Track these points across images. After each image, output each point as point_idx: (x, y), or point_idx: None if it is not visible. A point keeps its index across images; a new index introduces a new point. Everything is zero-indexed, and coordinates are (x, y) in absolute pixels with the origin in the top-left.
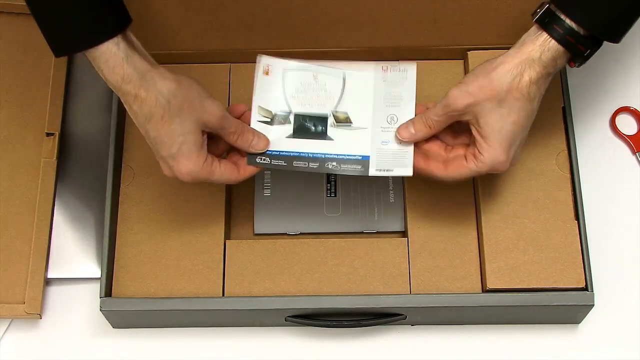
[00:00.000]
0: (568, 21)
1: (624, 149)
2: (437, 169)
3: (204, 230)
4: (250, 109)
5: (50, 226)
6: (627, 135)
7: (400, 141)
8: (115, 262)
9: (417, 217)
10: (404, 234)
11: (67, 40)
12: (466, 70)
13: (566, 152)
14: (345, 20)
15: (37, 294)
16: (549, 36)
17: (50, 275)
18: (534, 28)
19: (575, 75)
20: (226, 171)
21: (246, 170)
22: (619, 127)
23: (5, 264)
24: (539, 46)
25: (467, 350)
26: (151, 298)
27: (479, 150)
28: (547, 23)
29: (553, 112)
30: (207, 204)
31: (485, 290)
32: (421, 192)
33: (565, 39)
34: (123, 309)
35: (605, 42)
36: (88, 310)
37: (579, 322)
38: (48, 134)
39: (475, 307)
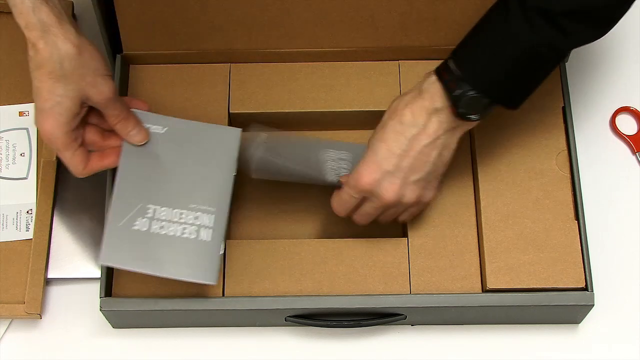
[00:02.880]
0: (450, 62)
1: (624, 149)
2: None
3: None
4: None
5: (50, 226)
6: (627, 135)
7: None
8: None
9: (417, 217)
10: (404, 234)
11: None
12: None
13: (566, 152)
14: (345, 20)
15: (37, 294)
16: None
17: (50, 275)
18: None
19: (575, 75)
20: (75, 160)
21: (92, 168)
22: (619, 127)
23: (5, 264)
24: (423, 77)
25: (467, 350)
26: (151, 298)
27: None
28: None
29: (553, 112)
30: None
31: (485, 290)
32: None
33: (439, 71)
34: (123, 309)
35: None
36: (88, 310)
37: (579, 322)
38: None
39: (475, 307)
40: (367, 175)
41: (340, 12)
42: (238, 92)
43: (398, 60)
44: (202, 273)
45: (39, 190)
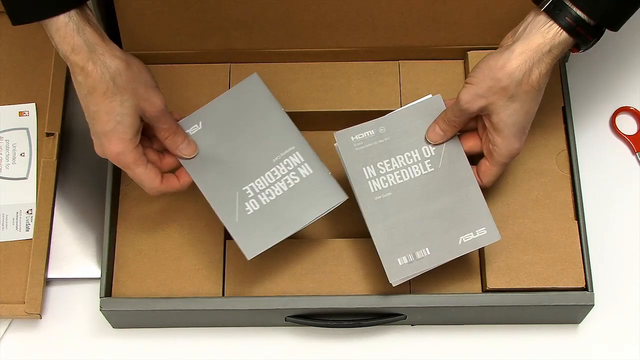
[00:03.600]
0: (578, 12)
1: (624, 149)
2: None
3: (204, 230)
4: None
5: (50, 226)
6: (627, 135)
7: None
8: (115, 262)
9: None
10: None
11: (23, 10)
12: (466, 70)
13: (566, 152)
14: (345, 20)
15: (37, 294)
16: (560, 28)
17: (50, 275)
18: (541, 18)
19: (575, 75)
20: (150, 174)
21: (171, 186)
22: (619, 127)
23: (5, 264)
24: (549, 39)
25: (467, 350)
26: (151, 298)
27: (493, 144)
28: (556, 14)
29: (553, 112)
30: (207, 204)
31: (485, 290)
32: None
33: (575, 30)
34: (123, 309)
35: (606, 36)
36: (88, 310)
37: (579, 322)
38: (48, 134)
39: (475, 307)
40: (520, 145)
41: (340, 12)
42: None
43: (398, 60)
44: (329, 199)
45: (39, 190)
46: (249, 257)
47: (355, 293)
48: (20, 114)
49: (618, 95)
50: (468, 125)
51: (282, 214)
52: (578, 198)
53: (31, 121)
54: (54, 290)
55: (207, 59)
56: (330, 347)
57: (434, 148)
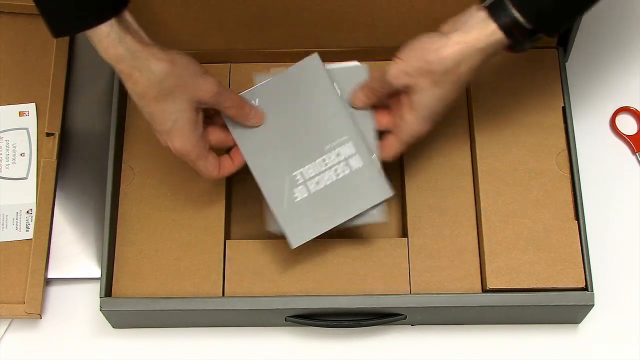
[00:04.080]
0: (517, 13)
1: (624, 149)
2: None
3: (204, 230)
4: None
5: (50, 226)
6: (627, 135)
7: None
8: (115, 262)
9: (417, 217)
10: (404, 234)
11: (62, 22)
12: None
13: (566, 152)
14: (346, 20)
15: (37, 294)
16: (497, 26)
17: (50, 275)
18: (482, 14)
19: (575, 75)
20: (209, 166)
21: (224, 170)
22: (619, 127)
23: (5, 264)
24: (485, 36)
25: (467, 350)
26: (151, 298)
27: (403, 121)
28: (496, 12)
29: (553, 112)
30: (207, 204)
31: (485, 290)
32: (421, 192)
33: (512, 31)
34: (123, 309)
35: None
36: (88, 310)
37: (579, 322)
38: (48, 134)
39: (475, 307)
40: (427, 130)
41: (340, 12)
42: (238, 92)
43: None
44: (377, 194)
45: (39, 190)
46: (294, 246)
47: (355, 293)
48: (20, 114)
49: (618, 95)
50: (385, 101)
51: (329, 204)
52: (578, 198)
53: (31, 121)
54: (54, 290)
55: (207, 58)
56: (330, 347)
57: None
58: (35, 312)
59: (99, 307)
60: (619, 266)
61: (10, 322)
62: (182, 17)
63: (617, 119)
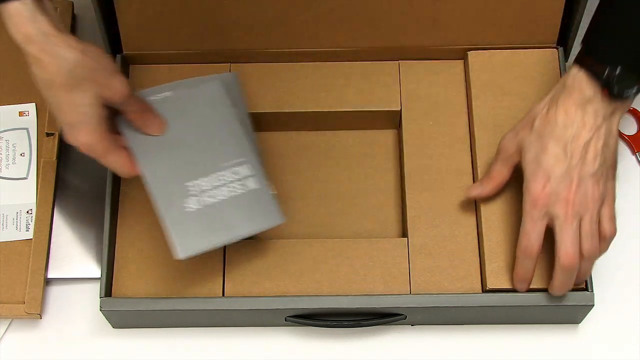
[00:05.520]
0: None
1: (624, 149)
2: None
3: None
4: None
5: (50, 226)
6: (627, 135)
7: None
8: (115, 262)
9: (417, 217)
10: (403, 234)
11: None
12: (466, 70)
13: None
14: (346, 20)
15: (37, 294)
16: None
17: (50, 275)
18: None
19: None
20: (120, 160)
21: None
22: (619, 127)
23: (5, 264)
24: (571, 76)
25: (467, 350)
26: (151, 298)
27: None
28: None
29: None
30: None
31: (485, 290)
32: (421, 192)
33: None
34: (123, 309)
35: None
36: (88, 310)
37: (579, 322)
38: (48, 134)
39: (475, 307)
40: (540, 187)
41: (340, 11)
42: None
43: (398, 60)
44: (268, 219)
45: (39, 190)
46: (181, 256)
47: (355, 293)
48: (20, 114)
49: None
50: None
51: (220, 220)
52: None
53: (31, 121)
54: (54, 290)
55: (207, 58)
56: (330, 347)
57: None
58: (35, 312)
59: (99, 307)
60: (618, 266)
61: (10, 322)
62: (182, 17)
63: None
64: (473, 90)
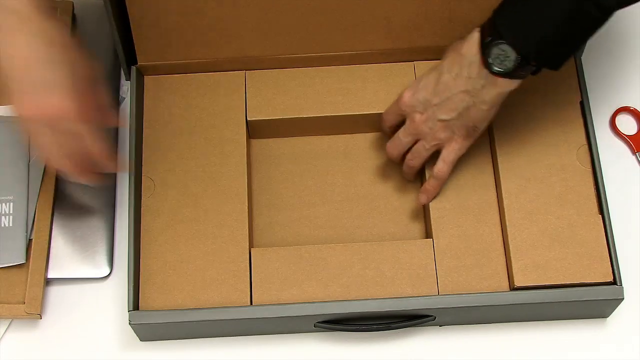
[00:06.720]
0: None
1: (624, 149)
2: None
3: (228, 239)
4: None
5: (50, 226)
6: (627, 135)
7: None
8: (140, 275)
9: (441, 217)
10: (427, 235)
11: None
12: None
13: (586, 146)
14: (360, 22)
15: (37, 294)
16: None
17: (50, 275)
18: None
19: None
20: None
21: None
22: (619, 127)
23: None
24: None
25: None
26: (180, 310)
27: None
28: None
29: (571, 107)
30: (230, 213)
31: (512, 288)
32: (443, 192)
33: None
34: (152, 322)
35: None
36: (88, 310)
37: (607, 317)
38: None
39: (504, 305)
40: (409, 94)
41: (355, 14)
42: (255, 99)
43: (414, 61)
44: (10, 256)
45: (39, 190)
46: None
47: (384, 296)
48: None
49: (618, 95)
50: None
51: None
52: (601, 192)
53: None
54: (54, 290)
55: (222, 67)
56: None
57: None
58: (35, 312)
59: (128, 321)
60: (627, 261)
61: (10, 322)
62: (196, 26)
63: (617, 119)
64: None
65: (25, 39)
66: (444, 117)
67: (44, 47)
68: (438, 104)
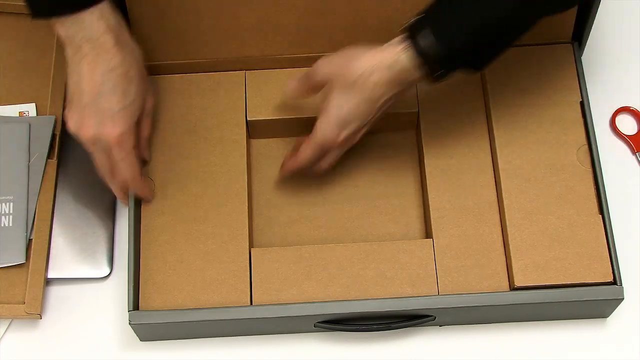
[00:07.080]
0: (429, 37)
1: (624, 149)
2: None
3: (228, 239)
4: None
5: (50, 226)
6: (627, 135)
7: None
8: (140, 275)
9: (441, 217)
10: (427, 235)
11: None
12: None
13: (586, 146)
14: (360, 24)
15: (37, 294)
16: (407, 46)
17: (50, 275)
18: (400, 36)
19: None
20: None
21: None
22: (619, 127)
23: None
24: (395, 54)
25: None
26: (181, 310)
27: (317, 122)
28: (411, 32)
29: (570, 108)
30: (230, 213)
31: (512, 288)
32: (443, 192)
33: (423, 52)
34: (152, 322)
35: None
36: (88, 310)
37: (607, 317)
38: None
39: (504, 305)
40: (335, 137)
41: (354, 16)
42: (255, 99)
43: None
44: (10, 256)
45: (39, 190)
46: None
47: (384, 296)
48: (20, 114)
49: (618, 95)
50: None
51: None
52: (601, 192)
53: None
54: (54, 290)
55: (222, 67)
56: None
57: None
58: (35, 312)
59: (127, 321)
60: (627, 261)
61: (10, 322)
62: (195, 26)
63: (617, 119)
64: (489, 88)
65: (101, 70)
66: (372, 95)
67: (117, 79)
68: (360, 83)
